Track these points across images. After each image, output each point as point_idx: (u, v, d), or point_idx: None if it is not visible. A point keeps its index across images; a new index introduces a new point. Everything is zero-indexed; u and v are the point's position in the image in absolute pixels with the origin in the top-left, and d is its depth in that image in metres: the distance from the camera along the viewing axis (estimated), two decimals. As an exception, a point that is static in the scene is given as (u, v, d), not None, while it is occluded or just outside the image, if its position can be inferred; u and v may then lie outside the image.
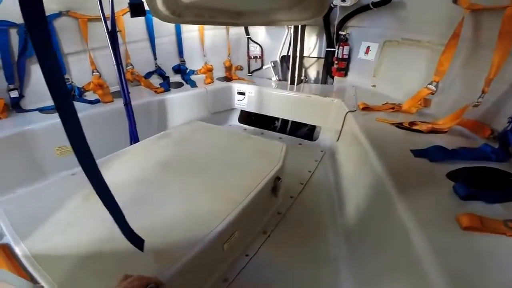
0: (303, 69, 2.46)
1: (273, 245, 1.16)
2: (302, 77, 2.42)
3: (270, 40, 2.55)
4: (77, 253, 0.74)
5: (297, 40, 2.20)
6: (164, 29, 2.22)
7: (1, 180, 1.48)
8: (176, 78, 2.37)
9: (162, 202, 0.96)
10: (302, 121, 2.26)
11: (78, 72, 1.96)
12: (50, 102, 1.83)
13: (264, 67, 2.61)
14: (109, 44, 1.50)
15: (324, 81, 2.43)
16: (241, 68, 2.64)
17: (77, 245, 0.77)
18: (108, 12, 1.46)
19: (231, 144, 1.39)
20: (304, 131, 2.37)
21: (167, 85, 2.14)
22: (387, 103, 1.68)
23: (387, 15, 1.92)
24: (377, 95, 1.94)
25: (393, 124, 1.40)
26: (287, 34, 2.34)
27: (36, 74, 1.81)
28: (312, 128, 2.29)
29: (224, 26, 2.44)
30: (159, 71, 2.28)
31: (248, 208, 0.97)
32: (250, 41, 2.58)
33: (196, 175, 1.12)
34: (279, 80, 2.52)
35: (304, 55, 2.38)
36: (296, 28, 2.16)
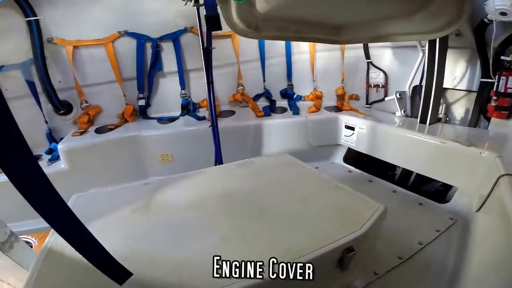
0: (444, 105, 2.20)
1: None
2: (441, 115, 2.16)
3: (398, 65, 2.42)
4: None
5: (434, 65, 2.01)
6: (275, 50, 2.51)
7: (110, 173, 2.05)
8: (283, 102, 2.59)
9: (198, 235, 1.05)
10: (430, 176, 1.97)
11: (196, 88, 2.49)
12: (167, 114, 2.46)
13: (386, 99, 2.48)
14: (203, 62, 1.83)
15: (475, 123, 2.06)
16: (357, 98, 2.63)
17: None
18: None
19: (312, 190, 1.36)
20: (434, 187, 2.06)
21: (268, 110, 2.39)
22: None
23: None
24: None
25: None
26: (422, 58, 2.16)
27: (161, 87, 2.45)
28: (448, 186, 1.97)
29: (339, 47, 2.52)
30: (267, 94, 2.56)
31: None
32: (371, 66, 2.53)
33: (248, 217, 1.15)
34: (406, 116, 2.34)
35: (448, 86, 2.14)
36: (432, 50, 1.98)
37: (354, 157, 2.43)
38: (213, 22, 1.47)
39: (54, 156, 2.15)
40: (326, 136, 2.41)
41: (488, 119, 2.00)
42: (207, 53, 1.87)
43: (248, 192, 1.32)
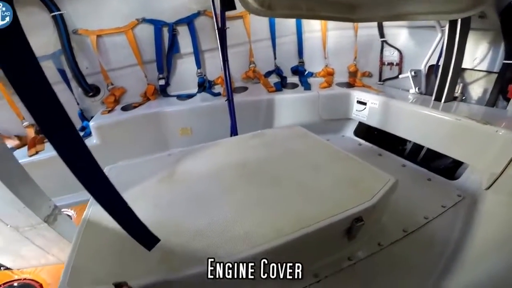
0: (461, 84, 2.02)
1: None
2: (457, 94, 1.99)
3: (414, 44, 2.26)
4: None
5: (453, 46, 1.83)
6: (285, 29, 2.45)
7: (136, 146, 2.15)
8: (293, 79, 2.54)
9: (217, 203, 1.06)
10: (441, 152, 1.85)
11: (211, 67, 2.51)
12: (185, 91, 2.50)
13: (400, 76, 2.33)
14: (218, 41, 1.82)
15: (493, 103, 1.88)
16: (369, 75, 2.48)
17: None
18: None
19: (324, 161, 1.33)
20: (444, 164, 1.93)
21: (279, 85, 2.36)
22: None
23: None
24: None
25: None
26: (441, 39, 1.99)
27: (179, 67, 2.48)
28: (458, 162, 1.85)
29: (352, 26, 2.38)
30: (278, 71, 2.53)
31: (297, 244, 0.92)
32: (386, 45, 2.37)
33: (263, 185, 1.16)
34: (420, 93, 2.19)
35: (467, 66, 1.96)
36: (453, 30, 1.80)
37: (364, 131, 2.33)
38: (228, 2, 1.48)
39: (86, 133, 2.26)
40: (337, 110, 2.34)
41: (508, 100, 1.81)
42: (222, 33, 1.85)
43: (262, 162, 1.33)
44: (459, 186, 1.66)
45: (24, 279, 1.26)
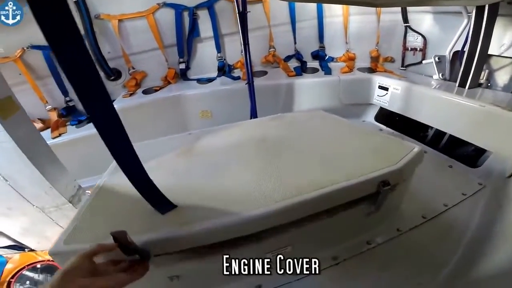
0: (486, 71, 1.97)
1: (335, 278, 1.01)
2: (482, 81, 1.95)
3: (439, 30, 2.19)
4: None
5: (480, 32, 1.77)
6: (306, 13, 2.42)
7: (157, 128, 2.21)
8: (314, 64, 2.53)
9: (231, 171, 1.03)
10: (464, 139, 1.83)
11: (230, 51, 2.52)
12: (205, 75, 2.54)
13: (424, 62, 2.28)
14: (239, 25, 1.84)
15: None
16: (392, 60, 2.44)
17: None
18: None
19: (347, 136, 1.27)
20: (466, 151, 1.90)
21: (300, 70, 2.36)
22: None
23: None
24: None
25: None
26: (467, 25, 1.93)
27: (199, 51, 2.51)
28: (480, 150, 1.83)
29: (374, 11, 2.33)
30: (297, 55, 2.52)
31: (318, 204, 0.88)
32: (409, 30, 2.32)
33: (282, 155, 1.11)
34: (444, 79, 2.15)
35: (493, 53, 1.90)
36: (480, 16, 1.73)
37: (385, 117, 2.32)
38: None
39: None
40: (358, 95, 2.32)
41: (536, 87, 1.76)
42: (243, 16, 1.87)
43: (283, 137, 1.29)
44: (480, 174, 1.64)
45: (48, 260, 1.27)
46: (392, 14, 2.34)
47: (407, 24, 2.30)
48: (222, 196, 0.89)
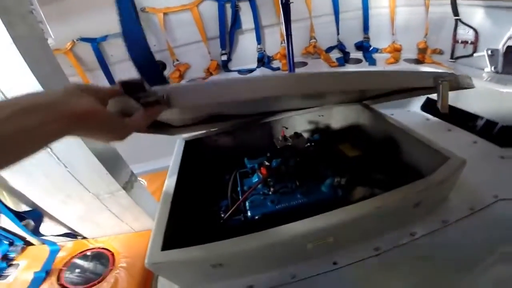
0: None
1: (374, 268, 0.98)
2: (540, 74, 1.83)
3: (492, 24, 2.10)
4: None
5: None
6: (350, 4, 2.40)
7: None
8: (357, 54, 2.50)
9: None
10: (517, 128, 1.73)
11: (270, 43, 2.56)
12: (245, 66, 2.59)
13: (475, 55, 2.19)
14: (282, 15, 1.86)
15: None
16: (440, 52, 2.36)
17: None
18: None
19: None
20: None
21: (342, 60, 2.35)
22: None
23: None
24: None
25: None
26: None
27: (240, 43, 2.57)
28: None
29: (422, 3, 2.29)
30: (340, 46, 2.51)
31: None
32: (460, 23, 2.24)
33: None
34: (496, 72, 2.04)
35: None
36: None
37: (433, 107, 2.21)
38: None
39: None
40: (404, 85, 2.27)
41: None
42: (286, 7, 1.90)
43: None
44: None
45: (98, 248, 1.27)
46: (441, 7, 2.28)
47: (458, 17, 2.23)
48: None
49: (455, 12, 2.22)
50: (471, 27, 2.19)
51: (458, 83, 0.91)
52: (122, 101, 0.53)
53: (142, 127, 0.52)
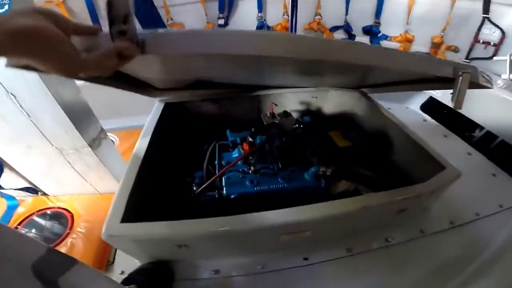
0: None
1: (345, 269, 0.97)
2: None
3: None
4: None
5: None
6: None
7: None
8: (363, 39, 2.34)
9: None
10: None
11: (272, 13, 2.40)
12: None
13: (495, 58, 1.99)
14: None
15: None
16: (455, 50, 2.16)
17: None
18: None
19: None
20: None
21: None
22: None
23: None
24: None
25: None
26: None
27: (240, 8, 2.42)
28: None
29: None
30: (346, 27, 2.34)
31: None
32: (487, 22, 2.03)
33: None
34: (512, 80, 1.86)
35: None
36: None
37: (433, 108, 2.06)
38: None
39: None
40: (408, 79, 2.11)
41: None
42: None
43: None
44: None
45: (58, 207, 1.22)
46: (469, 2, 2.07)
47: (487, 15, 2.02)
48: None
49: (486, 9, 2.02)
50: (499, 27, 2.00)
51: (478, 79, 0.81)
52: (93, 42, 0.48)
53: (104, 66, 0.46)
